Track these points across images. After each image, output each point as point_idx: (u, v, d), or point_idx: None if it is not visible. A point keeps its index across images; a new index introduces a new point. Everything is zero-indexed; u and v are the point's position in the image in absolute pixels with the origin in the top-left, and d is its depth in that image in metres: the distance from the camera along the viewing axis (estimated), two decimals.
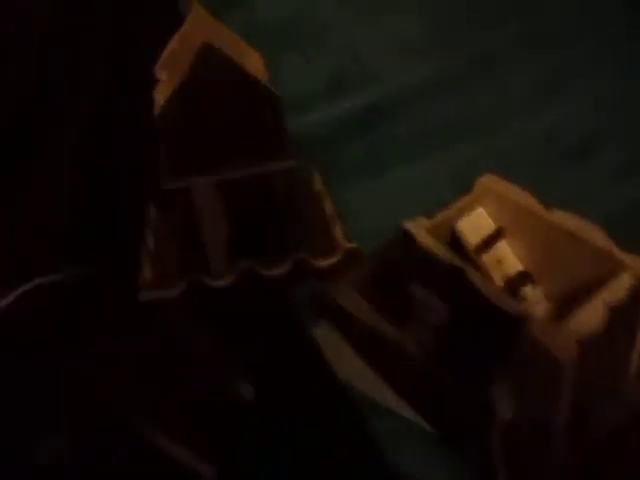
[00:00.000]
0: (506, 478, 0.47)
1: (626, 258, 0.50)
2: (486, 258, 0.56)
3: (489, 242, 0.57)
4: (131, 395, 0.48)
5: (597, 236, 0.51)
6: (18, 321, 0.54)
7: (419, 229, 0.53)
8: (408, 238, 0.53)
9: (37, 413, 0.49)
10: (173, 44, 0.64)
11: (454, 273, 0.50)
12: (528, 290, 0.56)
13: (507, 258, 0.57)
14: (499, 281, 0.57)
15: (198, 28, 0.64)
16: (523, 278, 0.57)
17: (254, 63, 0.64)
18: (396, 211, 0.69)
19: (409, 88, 0.73)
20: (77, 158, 0.69)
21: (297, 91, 0.73)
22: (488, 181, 0.57)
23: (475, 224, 0.57)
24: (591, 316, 0.44)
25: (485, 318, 0.49)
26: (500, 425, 0.47)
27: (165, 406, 0.48)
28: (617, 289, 0.48)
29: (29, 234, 0.62)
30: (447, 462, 0.51)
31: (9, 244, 0.59)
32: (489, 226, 0.57)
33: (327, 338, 0.60)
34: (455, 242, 0.57)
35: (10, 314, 0.54)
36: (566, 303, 0.52)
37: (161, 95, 0.61)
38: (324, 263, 0.65)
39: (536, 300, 0.56)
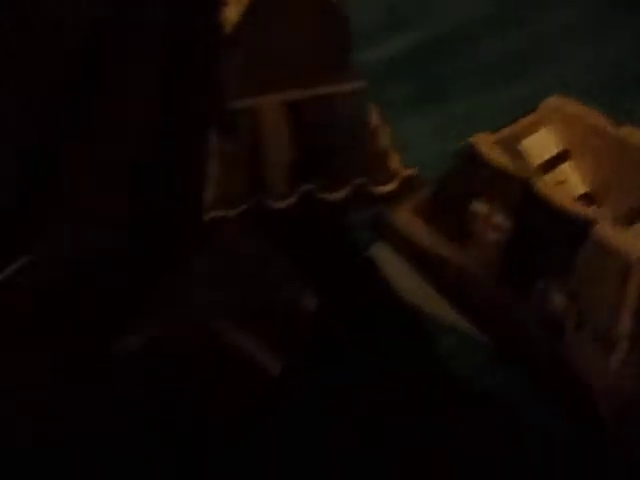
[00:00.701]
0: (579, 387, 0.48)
1: None
2: (548, 179, 0.56)
3: (553, 164, 0.57)
4: (204, 296, 0.51)
5: None
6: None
7: (484, 142, 0.53)
8: (473, 152, 0.53)
9: (116, 310, 0.52)
10: None
11: (520, 184, 0.50)
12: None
13: (570, 180, 0.57)
14: None
15: None
16: (586, 201, 0.57)
17: None
18: (453, 144, 0.71)
19: (471, 21, 0.73)
20: (143, 90, 0.71)
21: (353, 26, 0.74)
22: (554, 101, 0.57)
23: (539, 145, 0.56)
24: None
25: (552, 228, 0.49)
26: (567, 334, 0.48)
27: (236, 307, 0.50)
28: None
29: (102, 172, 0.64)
30: (510, 375, 0.52)
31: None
32: (554, 147, 0.57)
33: (386, 259, 0.61)
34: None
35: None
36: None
37: (231, 14, 0.62)
38: (383, 189, 0.66)
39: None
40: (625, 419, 0.47)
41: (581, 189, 0.56)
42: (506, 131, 0.54)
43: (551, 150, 0.56)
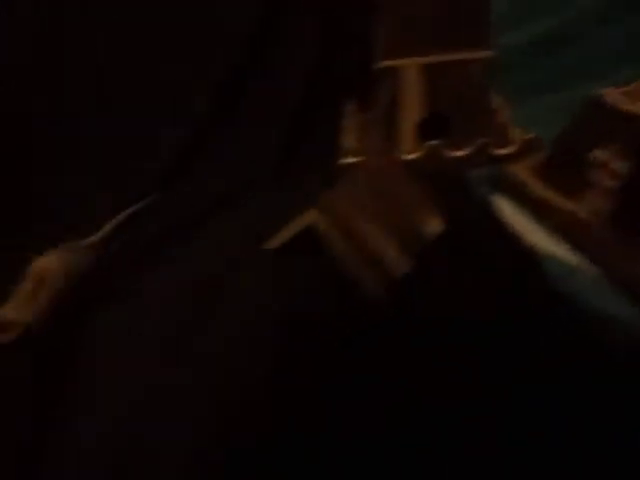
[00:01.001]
0: None
1: None
2: None
3: None
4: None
5: None
6: None
7: (610, 92, 0.58)
8: (598, 100, 0.59)
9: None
10: None
11: None
12: None
13: None
14: None
15: None
16: None
17: None
18: None
19: (598, 6, 0.78)
20: (299, 69, 0.79)
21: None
22: None
23: None
24: None
25: None
26: None
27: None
28: None
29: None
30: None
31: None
32: None
33: (504, 208, 0.66)
34: None
35: None
36: None
37: None
38: (503, 151, 0.71)
39: None
40: None
41: None
42: (631, 87, 0.59)
43: None
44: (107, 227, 0.68)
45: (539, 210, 0.65)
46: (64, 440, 0.50)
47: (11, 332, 0.53)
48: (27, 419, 0.51)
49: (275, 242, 0.58)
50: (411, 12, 0.68)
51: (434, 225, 0.63)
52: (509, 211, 0.67)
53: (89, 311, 0.58)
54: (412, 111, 0.74)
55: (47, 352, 0.54)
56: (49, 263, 0.56)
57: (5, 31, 0.71)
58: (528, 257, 0.61)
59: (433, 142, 0.74)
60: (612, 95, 0.57)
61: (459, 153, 0.74)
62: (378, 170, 0.65)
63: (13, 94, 0.72)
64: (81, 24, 0.74)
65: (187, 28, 0.73)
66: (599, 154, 0.59)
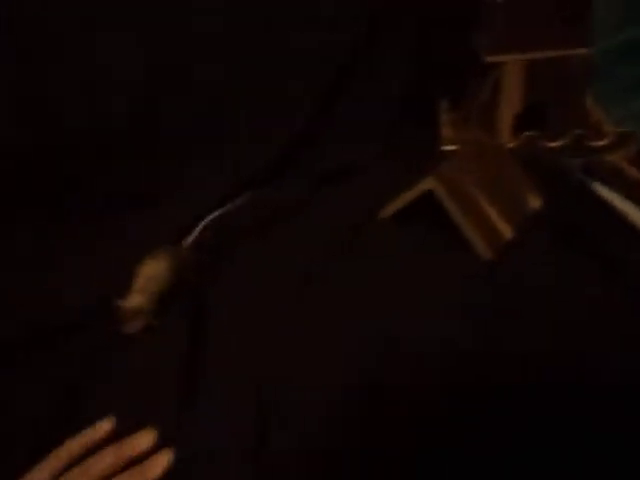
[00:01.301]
0: None
1: None
2: None
3: None
4: None
5: None
6: None
7: None
8: None
9: None
10: None
11: None
12: None
13: None
14: None
15: None
16: None
17: None
18: None
19: None
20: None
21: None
22: None
23: None
24: None
25: None
26: None
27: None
28: None
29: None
30: None
31: None
32: None
33: (602, 191, 0.70)
34: None
35: None
36: None
37: None
38: (598, 143, 0.76)
39: None
40: None
41: None
42: None
43: None
44: (205, 223, 0.72)
45: (637, 194, 0.69)
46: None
47: (138, 321, 0.59)
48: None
49: (393, 208, 0.63)
50: (517, 10, 0.73)
51: (535, 201, 0.68)
52: (607, 195, 0.71)
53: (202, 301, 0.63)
54: (512, 103, 0.79)
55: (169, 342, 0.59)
56: (156, 261, 0.62)
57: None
58: (634, 233, 0.65)
59: (530, 133, 0.80)
60: None
61: (554, 144, 0.79)
62: (482, 152, 0.71)
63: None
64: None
65: (306, 17, 0.80)
66: None
